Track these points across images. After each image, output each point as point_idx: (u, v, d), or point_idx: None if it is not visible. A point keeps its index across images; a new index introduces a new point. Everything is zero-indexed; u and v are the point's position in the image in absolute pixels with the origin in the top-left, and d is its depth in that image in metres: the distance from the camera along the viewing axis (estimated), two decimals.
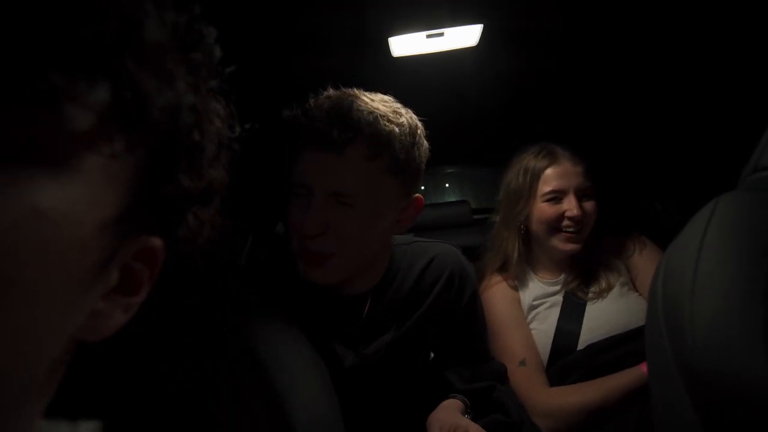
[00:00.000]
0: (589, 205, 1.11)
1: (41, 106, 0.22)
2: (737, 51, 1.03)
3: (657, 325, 0.40)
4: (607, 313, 1.08)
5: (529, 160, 1.15)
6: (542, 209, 1.11)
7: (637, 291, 1.13)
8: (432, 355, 0.95)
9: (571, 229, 1.10)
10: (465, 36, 1.00)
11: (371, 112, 0.67)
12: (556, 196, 1.10)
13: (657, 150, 1.48)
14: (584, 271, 1.15)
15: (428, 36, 0.98)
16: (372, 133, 0.66)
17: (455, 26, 0.96)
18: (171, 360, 0.48)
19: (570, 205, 1.08)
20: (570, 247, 1.10)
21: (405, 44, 1.02)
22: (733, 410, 0.30)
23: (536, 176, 1.12)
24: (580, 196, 1.10)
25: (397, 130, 0.68)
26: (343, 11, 0.90)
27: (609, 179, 1.45)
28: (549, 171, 1.11)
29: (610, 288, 1.12)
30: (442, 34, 0.98)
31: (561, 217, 1.09)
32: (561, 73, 1.31)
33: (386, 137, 0.67)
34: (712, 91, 1.18)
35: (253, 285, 0.79)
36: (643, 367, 0.96)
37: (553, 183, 1.10)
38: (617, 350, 1.02)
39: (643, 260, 1.14)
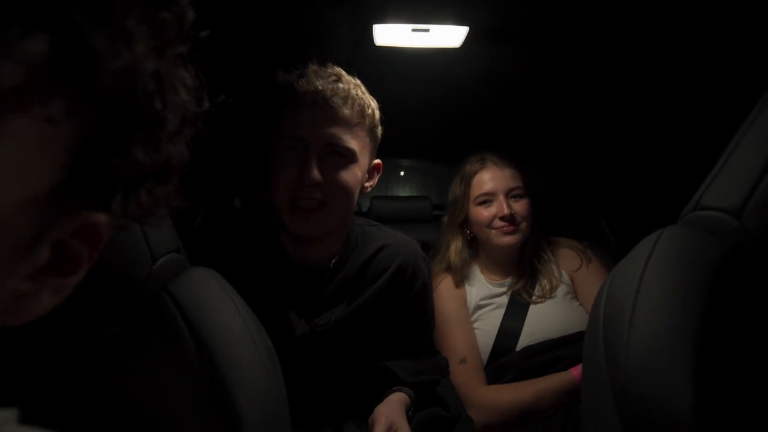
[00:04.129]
0: (519, 204, 1.18)
1: None
2: (707, 86, 1.10)
3: (596, 344, 0.44)
4: (547, 317, 1.15)
5: (465, 167, 1.23)
6: (476, 212, 1.20)
7: (578, 301, 1.21)
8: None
9: (504, 227, 1.16)
10: (450, 36, 1.00)
11: (357, 85, 0.82)
12: (487, 199, 1.18)
13: (608, 167, 1.56)
14: (530, 274, 1.21)
15: (414, 30, 0.97)
16: (359, 99, 0.80)
17: (442, 24, 0.95)
18: (101, 340, 0.46)
19: (500, 207, 1.16)
20: (507, 239, 1.17)
21: (389, 34, 1.00)
22: None
23: (468, 182, 1.21)
24: (511, 197, 1.17)
25: (372, 103, 0.83)
26: None
27: (558, 187, 1.53)
28: (478, 176, 1.20)
29: (552, 289, 1.18)
30: (427, 30, 0.97)
31: (493, 218, 1.17)
32: (533, 81, 1.35)
33: (368, 105, 0.82)
34: (677, 123, 1.26)
35: (201, 253, 0.78)
36: (573, 372, 1.03)
37: (482, 187, 1.19)
38: (550, 354, 1.09)
39: (588, 274, 1.21)
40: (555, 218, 1.31)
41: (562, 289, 1.20)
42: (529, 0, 0.90)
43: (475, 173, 1.21)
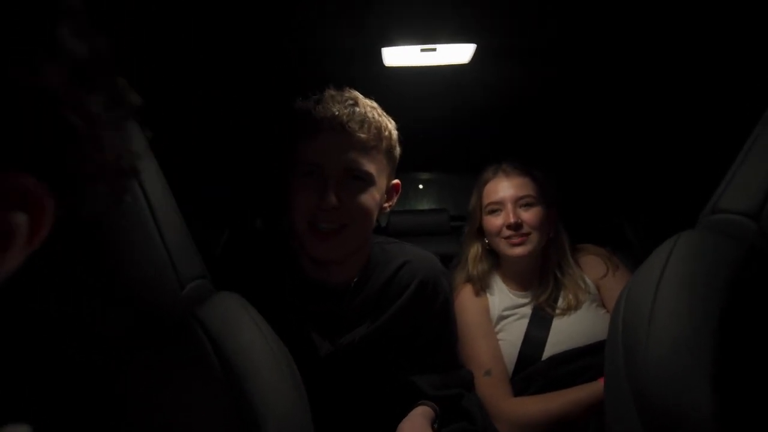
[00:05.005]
0: (528, 213, 1.16)
1: None
2: (717, 87, 1.09)
3: (616, 351, 0.43)
4: (573, 326, 1.13)
5: (481, 177, 1.25)
6: (487, 221, 1.21)
7: (605, 308, 1.18)
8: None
9: (513, 237, 1.15)
10: (458, 53, 1.02)
11: (373, 107, 0.83)
12: (496, 208, 1.19)
13: (630, 173, 1.54)
14: (553, 287, 1.19)
15: (422, 50, 0.99)
16: (375, 122, 0.80)
17: (449, 43, 0.97)
18: (129, 365, 0.47)
19: (506, 215, 1.15)
20: (517, 251, 1.15)
21: (398, 55, 1.03)
22: None
23: (480, 192, 1.23)
24: (520, 205, 1.16)
25: (389, 125, 0.84)
26: (339, 19, 0.90)
27: (577, 195, 1.51)
28: (489, 185, 1.22)
29: (579, 305, 1.16)
30: (434, 49, 1.00)
31: (501, 227, 1.17)
32: (545, 90, 1.35)
33: (384, 128, 0.82)
34: (688, 123, 1.24)
35: (224, 276, 0.80)
36: (601, 381, 1.00)
37: (491, 196, 1.20)
38: (577, 362, 1.07)
39: (615, 282, 1.18)
40: (579, 225, 1.29)
41: (588, 298, 1.17)
42: (535, 15, 0.92)
43: (486, 182, 1.22)
